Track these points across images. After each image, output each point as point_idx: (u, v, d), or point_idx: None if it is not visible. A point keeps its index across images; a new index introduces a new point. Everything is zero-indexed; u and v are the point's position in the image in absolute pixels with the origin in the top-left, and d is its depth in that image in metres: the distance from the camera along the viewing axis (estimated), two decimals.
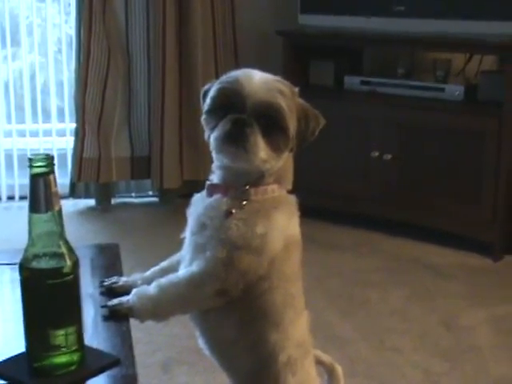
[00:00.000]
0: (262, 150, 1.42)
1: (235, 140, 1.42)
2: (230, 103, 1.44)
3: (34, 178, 1.18)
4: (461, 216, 3.54)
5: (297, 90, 1.51)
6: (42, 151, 4.23)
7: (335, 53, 4.05)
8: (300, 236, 1.53)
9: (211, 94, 1.48)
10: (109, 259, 1.72)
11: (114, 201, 4.30)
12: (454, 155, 3.52)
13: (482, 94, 3.54)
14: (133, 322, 1.44)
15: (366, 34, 3.76)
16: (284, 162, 1.50)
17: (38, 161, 1.18)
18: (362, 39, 3.84)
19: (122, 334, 1.37)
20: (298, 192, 1.54)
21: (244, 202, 1.45)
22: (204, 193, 1.53)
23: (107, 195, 4.25)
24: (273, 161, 1.45)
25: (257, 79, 1.44)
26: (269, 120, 1.43)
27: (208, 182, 1.53)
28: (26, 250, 1.21)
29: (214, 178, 1.52)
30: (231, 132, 1.42)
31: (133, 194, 4.40)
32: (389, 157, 3.66)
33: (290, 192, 1.54)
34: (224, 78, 1.48)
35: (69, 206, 4.11)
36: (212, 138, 1.46)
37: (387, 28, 3.68)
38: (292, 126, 1.45)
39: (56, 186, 1.19)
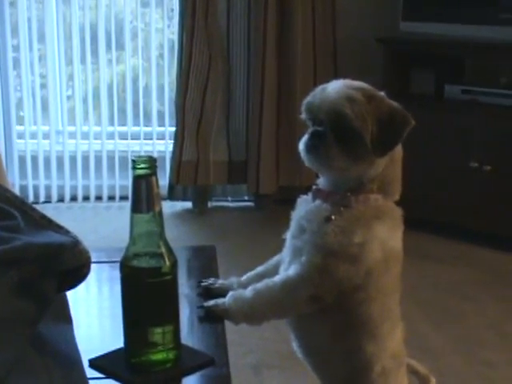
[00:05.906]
0: (335, 159, 1.43)
1: (310, 152, 1.47)
2: (312, 116, 1.49)
3: (136, 179, 1.21)
4: None
5: (382, 93, 1.49)
6: (142, 154, 4.32)
7: (436, 61, 3.99)
8: (401, 250, 1.51)
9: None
10: (205, 261, 1.74)
11: (210, 204, 4.36)
12: None
13: None
14: (226, 323, 1.45)
15: (468, 41, 3.69)
16: (389, 171, 1.48)
17: (142, 162, 1.20)
18: (465, 47, 3.78)
19: (216, 334, 1.38)
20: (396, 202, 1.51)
21: (342, 209, 1.45)
22: (309, 196, 1.54)
23: (204, 198, 4.31)
24: (354, 167, 1.45)
25: (329, 90, 1.46)
26: (342, 128, 1.44)
27: (314, 187, 1.54)
28: (127, 249, 1.23)
29: (320, 182, 1.54)
30: (307, 144, 1.48)
31: (229, 198, 4.44)
32: (488, 168, 3.58)
33: (397, 204, 1.51)
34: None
35: (166, 207, 4.16)
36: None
37: (490, 36, 3.61)
38: (366, 131, 1.43)
39: (158, 187, 1.21)
